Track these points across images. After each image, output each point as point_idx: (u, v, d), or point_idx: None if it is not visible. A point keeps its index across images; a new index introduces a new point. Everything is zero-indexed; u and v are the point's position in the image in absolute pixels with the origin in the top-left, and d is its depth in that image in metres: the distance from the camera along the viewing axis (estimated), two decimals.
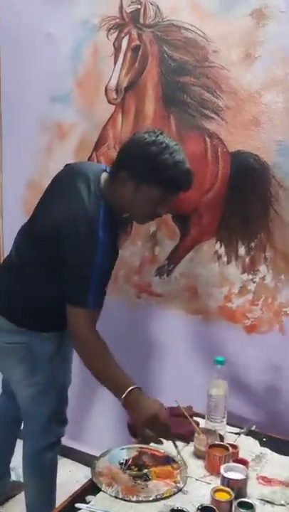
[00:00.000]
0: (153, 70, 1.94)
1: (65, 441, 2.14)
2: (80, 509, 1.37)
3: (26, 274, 1.67)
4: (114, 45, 2.01)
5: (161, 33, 1.91)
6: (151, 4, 1.91)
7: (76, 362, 1.82)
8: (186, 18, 1.86)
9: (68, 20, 2.08)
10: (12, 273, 1.72)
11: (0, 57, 2.26)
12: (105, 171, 1.64)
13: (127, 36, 1.98)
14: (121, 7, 1.97)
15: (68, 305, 1.54)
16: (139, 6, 1.94)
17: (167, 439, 1.55)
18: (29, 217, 1.74)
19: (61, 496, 1.67)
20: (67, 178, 1.65)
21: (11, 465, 2.08)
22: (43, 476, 1.85)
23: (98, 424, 2.29)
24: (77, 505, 1.38)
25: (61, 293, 1.56)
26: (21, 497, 1.93)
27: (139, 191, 1.52)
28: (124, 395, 1.49)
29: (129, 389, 1.50)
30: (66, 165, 1.75)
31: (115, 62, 2.01)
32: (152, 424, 1.50)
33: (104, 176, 1.61)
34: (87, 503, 1.39)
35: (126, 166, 1.52)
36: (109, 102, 2.05)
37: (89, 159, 2.11)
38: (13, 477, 2.18)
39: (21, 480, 2.00)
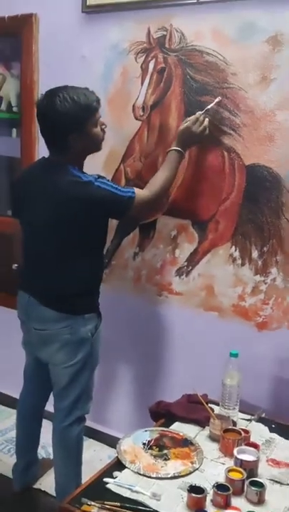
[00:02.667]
0: (176, 90, 1.97)
1: (91, 423, 2.20)
2: (107, 483, 1.41)
3: (56, 259, 1.73)
4: (141, 67, 2.05)
5: (185, 56, 1.94)
6: (176, 31, 1.94)
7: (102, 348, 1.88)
8: (208, 44, 1.89)
9: (101, 44, 2.12)
10: (42, 265, 1.76)
11: (39, 78, 2.32)
12: (44, 157, 1.81)
13: (154, 59, 2.02)
14: (148, 33, 2.01)
15: (128, 214, 1.75)
16: (165, 33, 1.97)
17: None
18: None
19: (87, 473, 1.71)
20: (35, 180, 1.77)
21: (41, 444, 2.12)
22: (70, 451, 1.89)
23: (122, 408, 2.32)
24: (106, 479, 1.42)
25: (94, 265, 1.76)
26: (52, 472, 1.98)
27: (85, 133, 1.69)
28: (176, 152, 1.83)
29: (170, 149, 1.84)
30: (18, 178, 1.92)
31: (142, 83, 2.05)
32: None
33: (49, 157, 1.77)
34: (114, 478, 1.43)
35: (65, 132, 1.66)
36: (136, 118, 2.09)
37: (117, 170, 2.15)
38: (44, 455, 2.23)
39: (51, 457, 2.05)
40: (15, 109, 2.49)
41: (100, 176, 1.72)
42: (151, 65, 2.03)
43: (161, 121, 2.03)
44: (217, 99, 1.85)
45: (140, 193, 1.75)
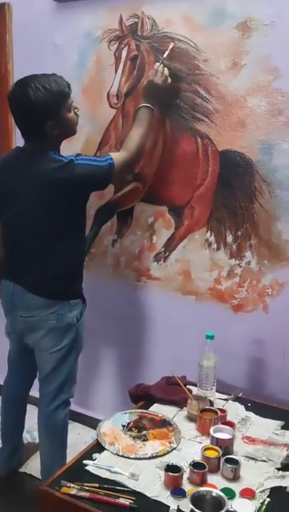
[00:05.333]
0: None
1: (75, 407, 2.19)
2: (87, 465, 1.42)
3: (43, 245, 1.72)
4: (114, 55, 2.02)
5: (157, 43, 1.91)
6: (148, 18, 1.91)
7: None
8: (179, 31, 1.86)
9: (73, 32, 2.08)
10: (27, 252, 1.75)
11: (13, 66, 2.27)
12: (19, 147, 1.82)
13: (127, 47, 1.98)
14: (121, 21, 1.97)
15: (110, 181, 1.79)
16: (137, 20, 1.94)
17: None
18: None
19: (71, 455, 1.71)
20: (14, 171, 1.75)
21: (26, 428, 2.12)
22: (56, 434, 1.89)
23: (104, 392, 2.33)
24: (85, 461, 1.43)
25: (77, 248, 1.78)
26: (37, 456, 1.98)
27: (60, 119, 1.68)
28: (145, 108, 1.83)
29: (139, 106, 1.85)
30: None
31: (116, 71, 2.02)
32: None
33: (26, 146, 1.77)
34: (94, 460, 1.44)
35: (41, 120, 1.65)
36: (111, 106, 2.06)
37: None
38: (29, 439, 2.23)
39: (36, 441, 2.05)
40: None
41: (78, 154, 1.72)
42: (124, 53, 1.99)
43: (135, 108, 1.99)
44: (170, 46, 1.85)
45: (118, 156, 1.76)
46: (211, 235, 1.94)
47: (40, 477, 1.96)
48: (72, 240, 1.76)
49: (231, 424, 1.56)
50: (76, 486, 1.32)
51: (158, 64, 1.83)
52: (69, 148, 1.83)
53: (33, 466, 2.09)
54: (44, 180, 1.66)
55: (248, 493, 1.31)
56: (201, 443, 1.52)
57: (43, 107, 1.63)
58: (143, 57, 1.95)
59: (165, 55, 1.85)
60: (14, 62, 2.27)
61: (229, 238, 1.90)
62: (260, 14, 1.71)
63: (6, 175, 1.76)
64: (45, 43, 2.15)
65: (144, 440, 1.52)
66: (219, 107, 1.83)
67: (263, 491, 1.34)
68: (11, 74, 2.27)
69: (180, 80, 1.88)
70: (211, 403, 1.69)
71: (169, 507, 1.27)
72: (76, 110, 1.76)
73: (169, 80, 1.84)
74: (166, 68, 1.84)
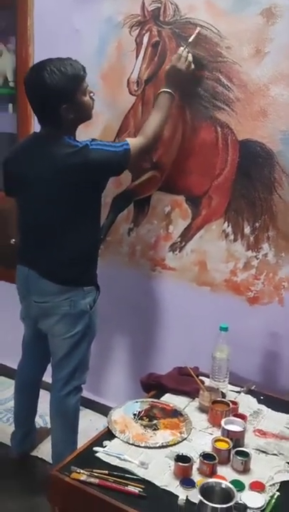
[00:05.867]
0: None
1: (87, 394, 2.21)
2: (97, 452, 1.42)
3: (57, 231, 1.72)
4: (136, 41, 1.99)
5: (179, 30, 1.88)
6: (171, 3, 1.88)
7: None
8: (202, 16, 1.82)
9: (94, 17, 2.06)
10: (42, 237, 1.75)
11: (34, 52, 2.26)
12: (36, 132, 1.80)
13: (148, 33, 1.95)
14: (143, 5, 1.94)
15: (127, 166, 1.76)
16: (159, 5, 1.90)
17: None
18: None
19: (82, 441, 1.72)
20: (31, 156, 1.74)
21: (39, 413, 2.14)
22: (67, 419, 1.90)
23: (116, 380, 2.34)
24: (95, 448, 1.43)
25: (92, 235, 1.78)
26: (49, 441, 2.00)
27: (75, 103, 1.66)
28: (166, 93, 1.81)
29: (160, 91, 1.82)
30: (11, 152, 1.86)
31: (137, 57, 1.99)
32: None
33: (42, 132, 1.75)
34: (104, 447, 1.44)
35: (57, 104, 1.63)
36: (131, 93, 2.03)
37: None
38: (41, 424, 2.25)
39: (48, 426, 2.07)
40: (11, 84, 2.43)
41: (93, 139, 1.70)
42: (145, 39, 1.96)
43: (155, 96, 1.96)
44: (197, 31, 1.81)
45: (134, 142, 1.74)
46: (228, 225, 1.91)
47: (51, 461, 1.98)
48: (87, 227, 1.76)
49: (243, 417, 1.56)
50: (86, 472, 1.33)
51: (182, 49, 1.80)
52: (86, 135, 1.82)
53: (45, 450, 2.11)
54: (59, 166, 1.65)
55: (258, 486, 1.30)
56: (211, 434, 1.51)
57: (59, 90, 1.62)
58: (164, 43, 1.92)
59: (190, 40, 1.81)
60: (35, 47, 2.25)
61: (247, 229, 1.88)
62: (286, 0, 1.67)
63: (21, 160, 1.76)
64: (66, 27, 2.12)
65: (154, 429, 1.52)
66: (241, 95, 1.80)
67: (273, 484, 1.33)
68: (32, 58, 2.25)
69: (202, 67, 1.84)
70: (223, 395, 1.69)
71: (178, 497, 1.27)
72: (92, 94, 1.74)
73: (193, 66, 1.81)
74: (190, 54, 1.80)
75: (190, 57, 1.80)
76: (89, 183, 1.68)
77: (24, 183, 1.75)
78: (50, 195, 1.68)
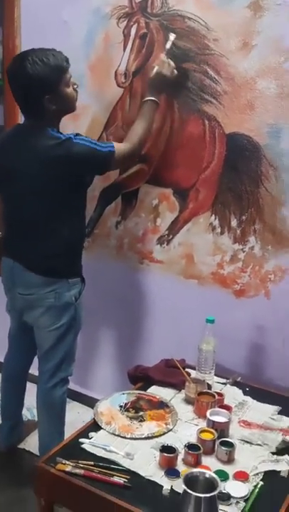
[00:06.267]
0: (158, 56, 1.90)
1: (74, 386, 2.22)
2: (83, 443, 1.43)
3: (41, 223, 1.72)
4: (123, 32, 1.98)
5: (167, 21, 1.87)
6: None
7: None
8: (189, 9, 1.81)
9: (82, 9, 2.04)
10: (26, 230, 1.75)
11: (21, 43, 2.24)
12: (19, 124, 1.81)
13: (136, 24, 1.94)
14: None
15: (109, 169, 1.77)
16: None
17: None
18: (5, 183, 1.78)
19: (69, 434, 1.73)
20: (14, 147, 1.73)
21: (26, 406, 2.14)
22: (54, 411, 1.91)
23: (103, 373, 2.34)
24: (81, 440, 1.44)
25: (76, 226, 1.77)
26: (36, 433, 2.00)
27: (58, 94, 1.65)
28: (152, 101, 1.80)
29: (145, 100, 1.81)
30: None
31: (124, 49, 1.98)
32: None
33: (25, 123, 1.76)
34: (90, 439, 1.45)
35: (39, 95, 1.63)
36: (118, 85, 2.02)
37: (99, 138, 2.09)
38: (29, 416, 2.25)
39: (35, 419, 2.07)
40: None
41: (77, 134, 1.69)
42: (133, 31, 1.95)
43: (142, 88, 1.96)
44: (172, 38, 1.82)
45: (120, 147, 1.73)
46: (215, 218, 1.92)
47: (38, 454, 1.98)
48: (71, 220, 1.75)
49: (228, 408, 1.57)
50: (71, 464, 1.34)
51: (164, 55, 1.80)
52: (74, 128, 1.82)
53: (32, 442, 2.11)
54: (42, 158, 1.64)
55: (242, 476, 1.32)
56: (197, 425, 1.52)
57: (41, 80, 1.61)
58: (152, 35, 1.91)
59: (168, 46, 1.81)
60: (22, 38, 2.23)
61: (233, 222, 1.88)
62: None
63: (5, 151, 1.75)
64: (54, 19, 2.10)
65: (140, 421, 1.53)
66: (228, 88, 1.80)
67: (257, 474, 1.34)
68: (19, 49, 2.22)
69: (189, 59, 1.84)
70: (209, 386, 1.69)
71: (162, 487, 1.28)
72: (75, 86, 1.73)
73: (176, 72, 1.80)
74: (170, 60, 1.80)
75: (172, 63, 1.80)
76: (72, 176, 1.67)
77: (7, 175, 1.74)
78: (33, 187, 1.68)
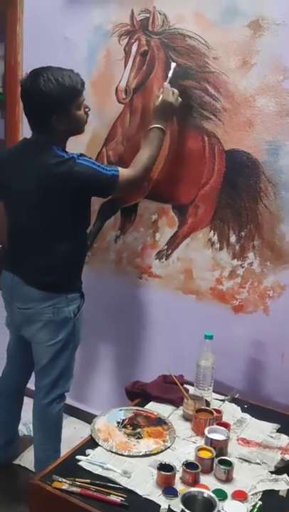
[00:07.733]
0: (159, 73, 1.93)
1: (72, 401, 2.20)
2: (80, 460, 1.41)
3: (41, 239, 1.71)
4: (124, 49, 2.00)
5: (168, 40, 1.89)
6: (160, 13, 1.89)
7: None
8: (190, 27, 1.84)
9: (84, 26, 2.07)
10: (27, 245, 1.75)
11: (23, 59, 2.26)
12: (26, 138, 1.79)
13: (137, 42, 1.97)
14: (132, 15, 1.96)
15: (112, 193, 1.76)
16: (148, 15, 1.92)
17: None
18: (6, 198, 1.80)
19: (66, 450, 1.71)
20: (19, 162, 1.73)
21: (23, 421, 2.12)
22: (50, 427, 1.89)
23: (101, 388, 2.32)
24: (78, 457, 1.42)
25: (77, 244, 1.77)
26: (32, 449, 1.97)
27: (67, 115, 1.66)
28: (158, 128, 1.80)
29: (151, 127, 1.81)
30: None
31: (125, 66, 2.00)
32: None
33: (32, 138, 1.75)
34: (87, 456, 1.43)
35: (48, 112, 1.63)
36: (119, 101, 2.04)
37: (99, 154, 2.11)
38: (25, 431, 2.23)
39: (32, 434, 2.04)
40: (0, 90, 2.43)
41: (82, 154, 1.69)
42: (134, 48, 1.98)
43: (143, 104, 1.98)
44: (173, 66, 1.84)
45: (124, 172, 1.72)
46: (214, 234, 1.92)
47: (33, 470, 1.95)
48: (72, 237, 1.75)
49: (226, 425, 1.55)
50: (68, 481, 1.32)
51: (167, 83, 1.81)
52: (75, 143, 1.82)
53: (28, 458, 2.08)
54: (45, 175, 1.64)
55: (240, 495, 1.30)
56: (195, 443, 1.51)
57: (52, 98, 1.61)
58: (153, 52, 1.93)
59: (170, 75, 1.82)
60: (24, 54, 2.26)
61: (232, 238, 1.88)
62: (272, 13, 1.69)
63: (10, 166, 1.76)
64: (56, 35, 2.13)
65: (138, 438, 1.51)
66: (227, 105, 1.81)
67: (256, 493, 1.32)
68: (20, 65, 2.26)
69: (189, 77, 1.86)
70: (208, 403, 1.68)
71: (160, 506, 1.26)
72: (87, 110, 1.73)
73: (180, 100, 1.82)
74: (174, 89, 1.81)
75: (176, 91, 1.81)
76: (73, 195, 1.67)
77: (11, 189, 1.74)
78: (34, 203, 1.68)
